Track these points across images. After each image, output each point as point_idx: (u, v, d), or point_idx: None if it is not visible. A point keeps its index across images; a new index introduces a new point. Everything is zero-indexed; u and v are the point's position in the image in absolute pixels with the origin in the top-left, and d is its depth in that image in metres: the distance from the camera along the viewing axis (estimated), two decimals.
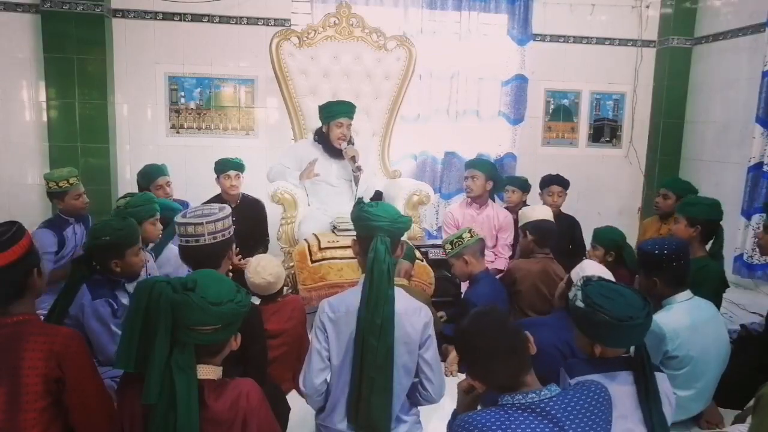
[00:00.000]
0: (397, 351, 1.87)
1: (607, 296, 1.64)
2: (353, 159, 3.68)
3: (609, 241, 3.17)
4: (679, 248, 2.36)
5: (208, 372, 1.48)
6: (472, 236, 3.04)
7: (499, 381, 1.42)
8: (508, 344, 1.42)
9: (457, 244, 3.03)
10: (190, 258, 2.00)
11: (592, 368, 1.66)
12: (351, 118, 3.78)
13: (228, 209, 2.09)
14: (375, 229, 1.90)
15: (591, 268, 2.37)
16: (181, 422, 1.37)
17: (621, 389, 1.61)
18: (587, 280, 1.74)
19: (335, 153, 3.77)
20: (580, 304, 1.66)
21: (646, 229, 3.84)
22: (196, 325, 1.42)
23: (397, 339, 1.86)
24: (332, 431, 1.96)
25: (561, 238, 3.49)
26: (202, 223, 1.95)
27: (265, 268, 2.53)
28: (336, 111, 3.74)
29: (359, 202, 2.07)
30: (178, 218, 2.01)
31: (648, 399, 1.62)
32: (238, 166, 3.94)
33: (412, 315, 1.92)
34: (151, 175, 3.77)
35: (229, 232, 2.04)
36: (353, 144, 3.81)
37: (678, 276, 2.38)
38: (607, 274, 2.36)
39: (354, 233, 2.03)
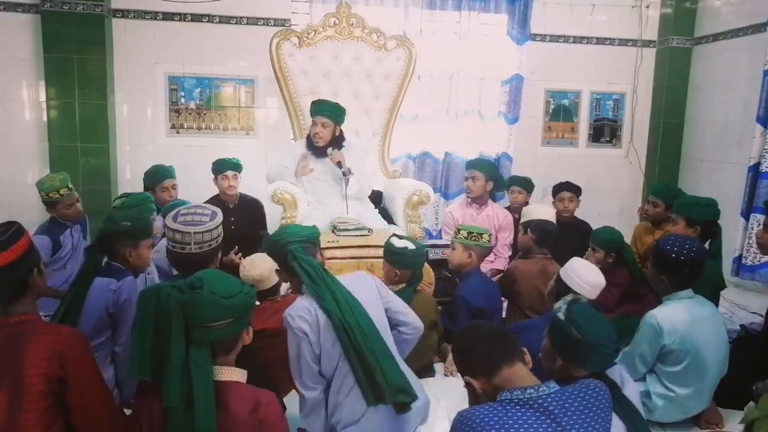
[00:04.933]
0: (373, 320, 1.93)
1: (588, 318, 1.70)
2: (339, 164, 3.66)
3: (608, 242, 3.17)
4: (698, 255, 2.35)
5: (230, 374, 1.49)
6: (489, 240, 3.06)
7: (473, 364, 1.48)
8: (479, 331, 1.52)
9: (473, 239, 3.02)
10: (176, 261, 2.01)
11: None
12: (330, 118, 3.70)
13: (220, 216, 2.07)
14: (287, 245, 2.02)
15: (580, 266, 2.37)
16: (200, 422, 1.36)
17: None
18: (575, 299, 1.83)
19: (319, 152, 3.77)
20: (561, 316, 1.72)
21: (641, 235, 3.81)
22: (209, 321, 1.43)
23: (363, 304, 1.94)
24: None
25: (572, 245, 3.49)
26: (189, 233, 1.95)
27: (262, 261, 2.55)
28: (313, 110, 3.73)
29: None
30: (169, 220, 2.00)
31: (625, 412, 1.66)
32: (236, 167, 3.93)
33: (357, 281, 2.04)
34: (157, 177, 3.74)
35: (217, 241, 2.04)
36: (343, 146, 3.78)
37: (688, 280, 2.39)
38: (596, 271, 2.36)
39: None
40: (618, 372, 1.86)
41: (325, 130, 3.71)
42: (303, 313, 1.90)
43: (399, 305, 2.12)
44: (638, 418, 1.70)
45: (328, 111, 3.71)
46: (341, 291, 1.93)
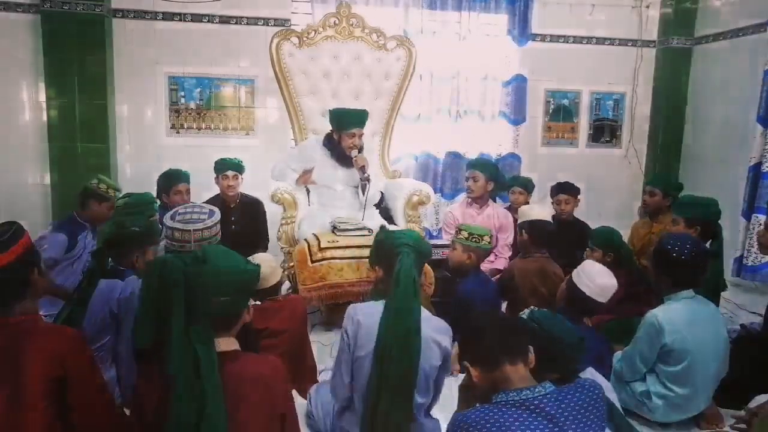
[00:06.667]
0: (420, 364, 1.84)
1: (547, 317, 1.77)
2: (362, 169, 3.65)
3: (606, 242, 3.17)
4: (699, 255, 2.35)
5: (230, 344, 1.51)
6: (489, 242, 3.05)
7: (477, 351, 1.48)
8: (497, 321, 1.53)
9: (474, 240, 3.01)
10: None
11: None
12: (364, 127, 3.73)
13: (218, 214, 2.10)
14: (400, 246, 1.94)
15: (592, 268, 2.38)
16: (208, 391, 1.37)
17: None
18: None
19: (344, 160, 3.73)
20: (524, 316, 1.80)
21: (637, 231, 3.82)
22: (212, 296, 1.45)
23: (423, 352, 1.84)
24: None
25: (571, 245, 3.49)
26: (189, 231, 1.97)
27: (263, 261, 2.55)
28: (349, 122, 3.67)
29: (382, 228, 2.10)
30: (167, 219, 2.03)
31: (613, 416, 1.65)
32: (237, 167, 3.93)
33: (438, 334, 1.92)
34: (172, 180, 3.74)
35: (216, 239, 2.06)
36: (362, 151, 3.78)
37: (690, 279, 2.39)
38: (608, 274, 2.37)
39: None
40: (590, 374, 1.86)
41: (360, 140, 3.71)
42: (360, 316, 1.88)
43: (442, 379, 1.99)
44: (620, 417, 1.69)
45: (365, 121, 3.71)
46: (414, 317, 1.84)
